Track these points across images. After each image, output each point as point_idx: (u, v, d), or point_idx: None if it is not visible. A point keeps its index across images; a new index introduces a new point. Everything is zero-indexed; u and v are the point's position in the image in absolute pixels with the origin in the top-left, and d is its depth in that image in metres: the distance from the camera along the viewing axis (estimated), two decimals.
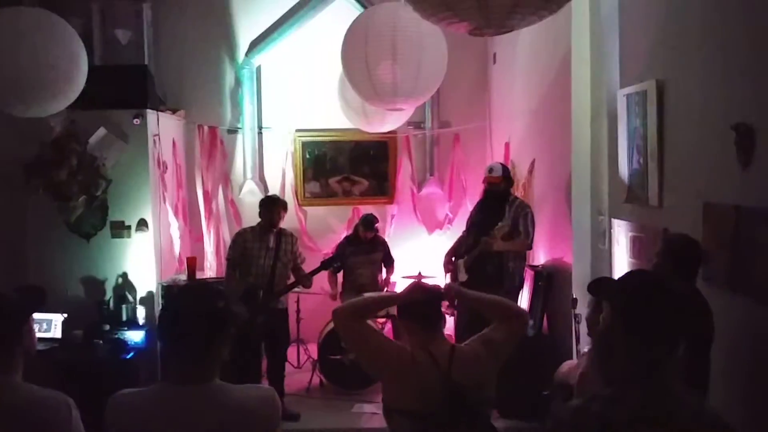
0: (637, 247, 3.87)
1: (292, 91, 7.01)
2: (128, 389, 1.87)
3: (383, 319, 5.57)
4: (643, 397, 1.54)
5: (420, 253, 6.86)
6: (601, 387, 1.66)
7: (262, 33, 6.88)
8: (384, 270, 6.27)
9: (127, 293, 5.55)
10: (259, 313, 4.96)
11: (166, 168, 5.99)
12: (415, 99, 4.48)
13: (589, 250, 4.63)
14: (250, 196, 6.82)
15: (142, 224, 5.62)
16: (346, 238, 6.39)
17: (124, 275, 5.59)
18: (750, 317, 2.75)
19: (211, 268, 6.65)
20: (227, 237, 6.47)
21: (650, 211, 3.68)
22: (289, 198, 6.83)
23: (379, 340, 2.54)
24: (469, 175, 6.96)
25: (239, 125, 6.98)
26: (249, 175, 6.96)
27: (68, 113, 5.00)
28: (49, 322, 5.17)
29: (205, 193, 6.79)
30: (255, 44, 6.88)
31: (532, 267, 5.34)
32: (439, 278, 5.73)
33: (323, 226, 7.11)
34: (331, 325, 5.56)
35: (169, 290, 5.48)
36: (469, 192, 6.89)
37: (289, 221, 5.85)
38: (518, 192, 5.84)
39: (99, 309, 5.45)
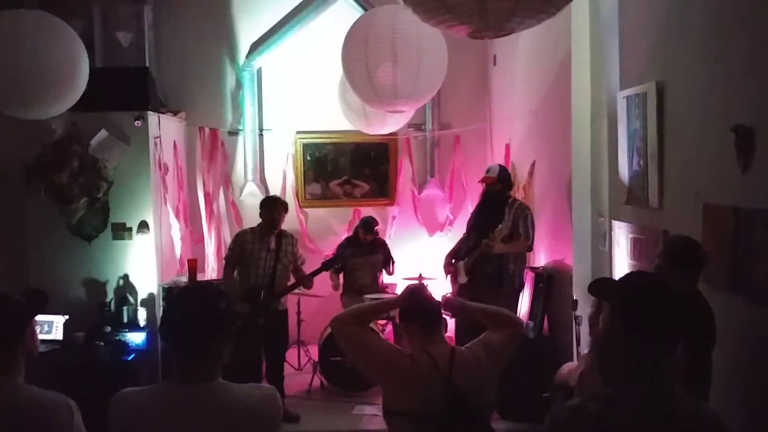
0: (638, 248, 3.87)
1: (293, 93, 7.02)
2: (131, 388, 1.88)
3: (384, 321, 5.57)
4: (642, 397, 1.55)
5: (421, 254, 6.87)
6: (600, 387, 1.67)
7: (263, 35, 6.89)
8: (384, 271, 6.28)
9: (128, 295, 5.55)
10: (259, 314, 4.96)
11: (167, 170, 5.99)
12: (416, 101, 4.49)
13: (590, 251, 4.63)
14: (251, 198, 6.83)
15: (143, 226, 5.62)
16: (346, 239, 6.40)
17: (125, 277, 5.59)
18: (749, 318, 2.75)
19: (212, 270, 6.66)
20: (228, 239, 6.47)
21: (650, 212, 3.69)
22: (290, 199, 6.83)
23: (378, 343, 2.55)
24: (469, 177, 6.97)
25: (240, 127, 6.99)
26: (250, 176, 6.96)
27: (69, 115, 5.01)
28: (51, 323, 5.17)
29: (206, 195, 6.80)
30: (256, 46, 6.89)
31: (533, 269, 5.35)
32: (440, 280, 5.74)
33: (324, 228, 7.12)
34: None
35: (170, 292, 5.48)
36: (470, 194, 6.89)
37: (289, 223, 5.86)
38: (519, 193, 5.85)
39: (100, 311, 5.45)
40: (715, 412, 1.63)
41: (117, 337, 5.28)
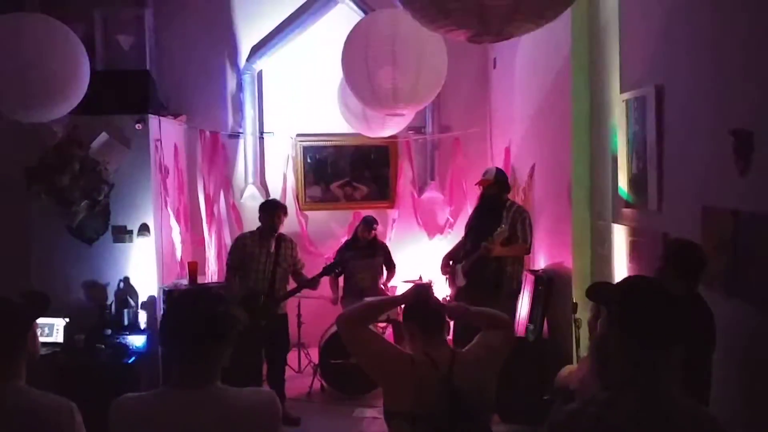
0: (637, 251, 3.88)
1: (294, 96, 7.03)
2: (131, 394, 1.88)
3: (384, 324, 5.57)
4: (641, 401, 1.55)
5: (421, 257, 6.87)
6: (599, 391, 1.67)
7: (264, 38, 6.90)
8: (385, 274, 6.28)
9: (128, 298, 5.55)
10: (260, 318, 4.96)
11: (168, 173, 6.00)
12: (416, 104, 4.50)
13: (589, 254, 4.64)
14: (251, 201, 6.84)
15: (144, 229, 5.63)
16: (346, 242, 6.40)
17: (126, 280, 5.60)
18: (748, 321, 2.76)
19: (212, 272, 6.66)
20: (229, 241, 6.48)
21: (650, 215, 3.69)
22: (290, 202, 6.85)
23: (379, 344, 2.57)
24: (469, 180, 6.96)
25: (241, 130, 7.00)
26: (250, 179, 6.97)
27: (70, 118, 5.02)
28: (51, 326, 5.17)
29: (207, 198, 6.81)
30: (256, 49, 6.91)
31: (533, 272, 5.35)
32: (440, 282, 5.74)
33: (324, 231, 7.12)
34: (333, 329, 5.57)
35: (170, 295, 5.48)
36: (470, 196, 6.90)
37: (290, 226, 5.87)
38: (518, 196, 5.86)
39: (101, 313, 5.45)
40: (714, 416, 1.64)
41: (117, 340, 5.28)
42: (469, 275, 5.09)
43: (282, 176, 7.09)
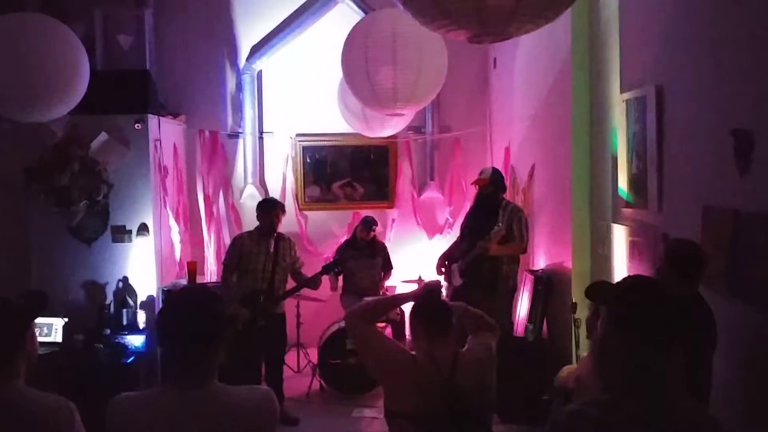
0: (637, 251, 3.87)
1: (293, 95, 7.03)
2: (127, 393, 1.88)
3: (383, 324, 5.57)
4: (642, 402, 1.55)
5: (420, 257, 6.87)
6: (599, 391, 1.67)
7: (264, 38, 6.90)
8: (383, 275, 6.28)
9: (127, 297, 5.55)
10: (260, 317, 4.96)
11: (167, 173, 6.00)
12: (415, 104, 4.50)
13: (589, 254, 4.64)
14: (250, 201, 6.83)
15: (143, 229, 5.63)
16: (345, 242, 6.40)
17: (125, 279, 5.60)
18: (748, 321, 2.76)
19: (211, 272, 6.66)
20: (228, 241, 6.47)
21: (650, 215, 3.69)
22: (290, 202, 6.85)
23: (384, 342, 2.58)
24: (469, 180, 6.94)
25: (240, 130, 7.00)
26: (250, 179, 6.97)
27: (70, 118, 5.01)
28: (50, 326, 5.17)
29: (206, 198, 6.81)
30: (256, 49, 6.91)
31: (532, 271, 5.35)
32: (441, 281, 5.74)
33: (323, 230, 7.12)
34: (332, 329, 5.58)
35: (169, 295, 5.49)
36: (470, 196, 6.89)
37: (289, 225, 5.86)
38: (518, 196, 5.86)
39: (100, 313, 5.46)
40: (714, 417, 1.63)
41: (116, 340, 5.28)
42: (466, 274, 5.09)
43: (281, 176, 7.09)
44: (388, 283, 6.37)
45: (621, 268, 4.08)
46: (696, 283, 2.75)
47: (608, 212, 4.35)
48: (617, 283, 1.81)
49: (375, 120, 5.48)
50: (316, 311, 6.09)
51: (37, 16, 4.27)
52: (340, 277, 6.08)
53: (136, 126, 5.56)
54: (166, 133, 5.96)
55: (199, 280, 6.04)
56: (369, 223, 6.17)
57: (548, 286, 5.03)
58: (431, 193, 7.19)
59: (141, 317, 5.52)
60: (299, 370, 6.07)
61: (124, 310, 5.49)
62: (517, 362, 4.48)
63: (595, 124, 4.57)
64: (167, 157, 6.03)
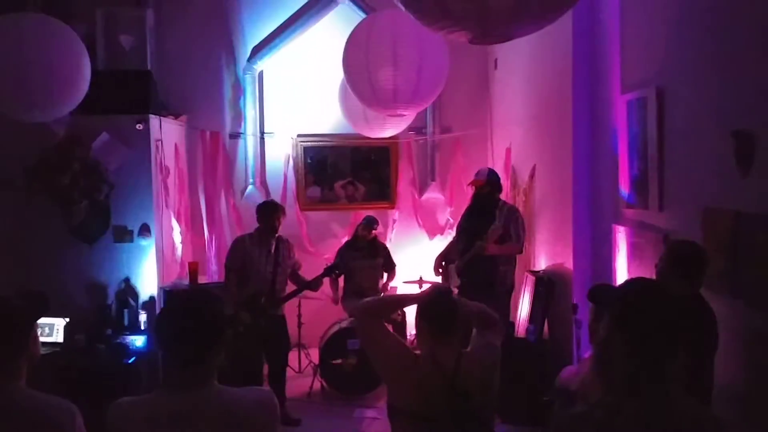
0: (638, 252, 3.88)
1: (294, 96, 7.03)
2: (128, 397, 1.89)
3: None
4: (645, 404, 1.55)
5: (421, 258, 6.87)
6: (601, 393, 1.67)
7: (265, 38, 6.90)
8: (385, 275, 6.28)
9: (129, 298, 5.55)
10: (260, 319, 4.96)
11: (169, 173, 6.00)
12: (416, 104, 4.50)
13: (590, 255, 4.64)
14: (251, 201, 6.83)
15: (145, 229, 5.62)
16: (346, 243, 6.40)
17: (127, 280, 5.60)
18: (749, 321, 2.76)
19: (213, 272, 6.66)
20: (229, 242, 6.47)
21: (651, 216, 3.69)
22: (291, 203, 6.85)
23: (387, 340, 2.58)
24: (469, 181, 6.96)
25: (241, 130, 6.99)
26: (251, 180, 6.97)
27: (71, 118, 5.02)
28: (52, 326, 5.17)
29: (207, 198, 6.81)
30: (257, 50, 6.90)
31: (533, 272, 5.35)
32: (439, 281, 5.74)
33: (324, 231, 7.12)
34: (333, 330, 5.58)
35: (170, 295, 5.49)
36: (470, 197, 6.89)
37: (290, 226, 5.85)
38: (519, 197, 5.86)
39: (101, 313, 5.45)
40: (718, 417, 1.63)
41: (118, 340, 5.28)
42: (463, 275, 5.10)
43: (282, 176, 7.09)
44: (391, 283, 6.36)
45: (622, 269, 4.08)
46: (697, 283, 2.75)
47: (609, 213, 4.35)
48: (619, 286, 1.81)
49: (376, 120, 5.48)
50: (317, 312, 6.09)
51: (38, 16, 4.27)
52: (341, 287, 6.08)
53: (137, 126, 5.55)
54: (167, 134, 5.96)
55: (200, 280, 6.04)
56: (371, 222, 6.17)
57: (549, 287, 5.03)
58: (432, 194, 7.19)
59: (142, 317, 5.52)
60: (300, 371, 6.07)
61: (126, 311, 5.49)
62: (519, 363, 4.48)
63: (596, 124, 4.57)
64: (168, 158, 6.03)
